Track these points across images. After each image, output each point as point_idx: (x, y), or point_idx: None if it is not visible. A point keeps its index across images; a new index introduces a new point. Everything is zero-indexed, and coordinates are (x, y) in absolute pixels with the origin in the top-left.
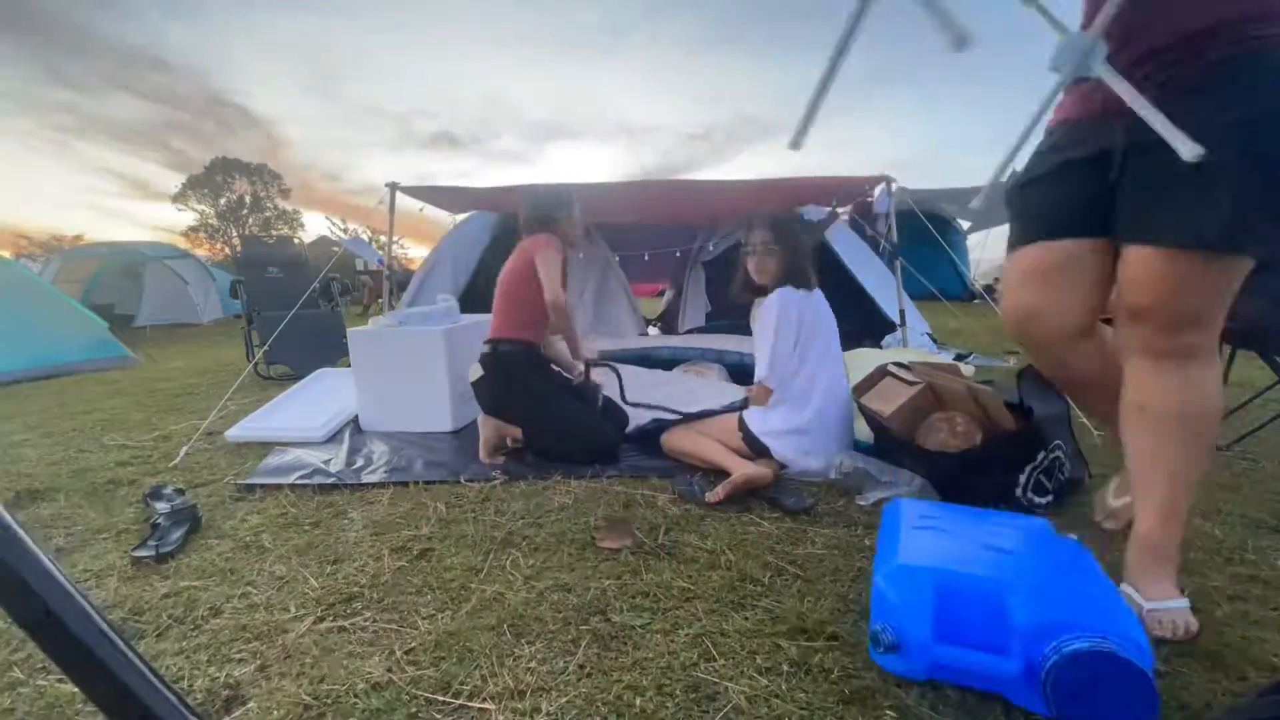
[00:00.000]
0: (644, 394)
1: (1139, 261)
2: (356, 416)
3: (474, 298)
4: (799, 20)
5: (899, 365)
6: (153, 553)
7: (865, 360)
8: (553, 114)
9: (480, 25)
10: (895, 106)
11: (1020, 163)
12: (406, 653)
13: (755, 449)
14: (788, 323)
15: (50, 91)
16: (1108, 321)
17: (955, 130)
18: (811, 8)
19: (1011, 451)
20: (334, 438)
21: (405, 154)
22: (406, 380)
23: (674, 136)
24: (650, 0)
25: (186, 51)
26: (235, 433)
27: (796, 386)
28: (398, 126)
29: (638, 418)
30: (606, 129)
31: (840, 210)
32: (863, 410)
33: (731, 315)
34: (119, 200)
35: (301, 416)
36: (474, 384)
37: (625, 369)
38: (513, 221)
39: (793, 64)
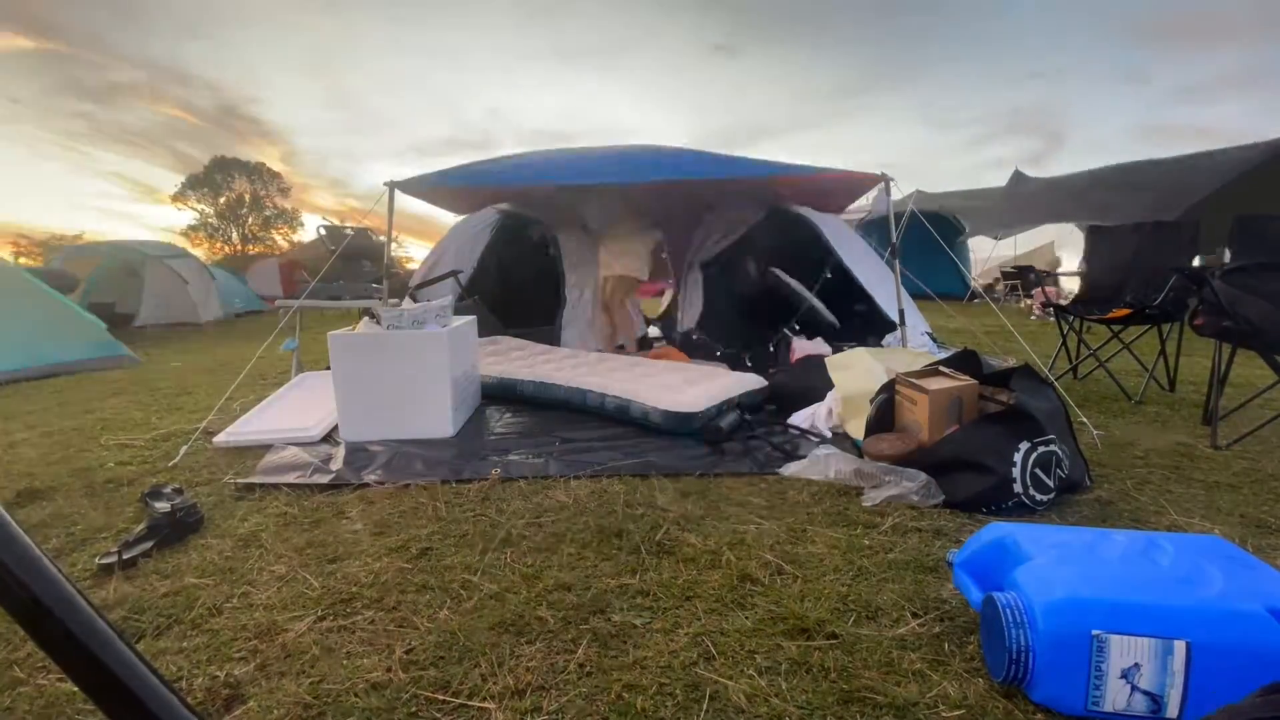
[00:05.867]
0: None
1: None
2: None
3: (479, 293)
4: (795, 32)
5: (908, 381)
6: (115, 559)
7: (863, 360)
8: (553, 123)
9: (485, 42)
10: (893, 111)
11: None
12: (406, 652)
13: None
14: None
15: (66, 101)
16: None
17: (950, 133)
18: (806, 22)
19: (1008, 426)
20: (328, 437)
21: (408, 161)
22: (402, 386)
23: (671, 140)
24: (650, 16)
25: (204, 66)
26: (223, 439)
27: None
28: (403, 136)
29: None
30: (605, 136)
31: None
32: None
33: (729, 316)
34: (128, 204)
35: (292, 418)
36: None
37: None
38: (512, 220)
39: (788, 72)
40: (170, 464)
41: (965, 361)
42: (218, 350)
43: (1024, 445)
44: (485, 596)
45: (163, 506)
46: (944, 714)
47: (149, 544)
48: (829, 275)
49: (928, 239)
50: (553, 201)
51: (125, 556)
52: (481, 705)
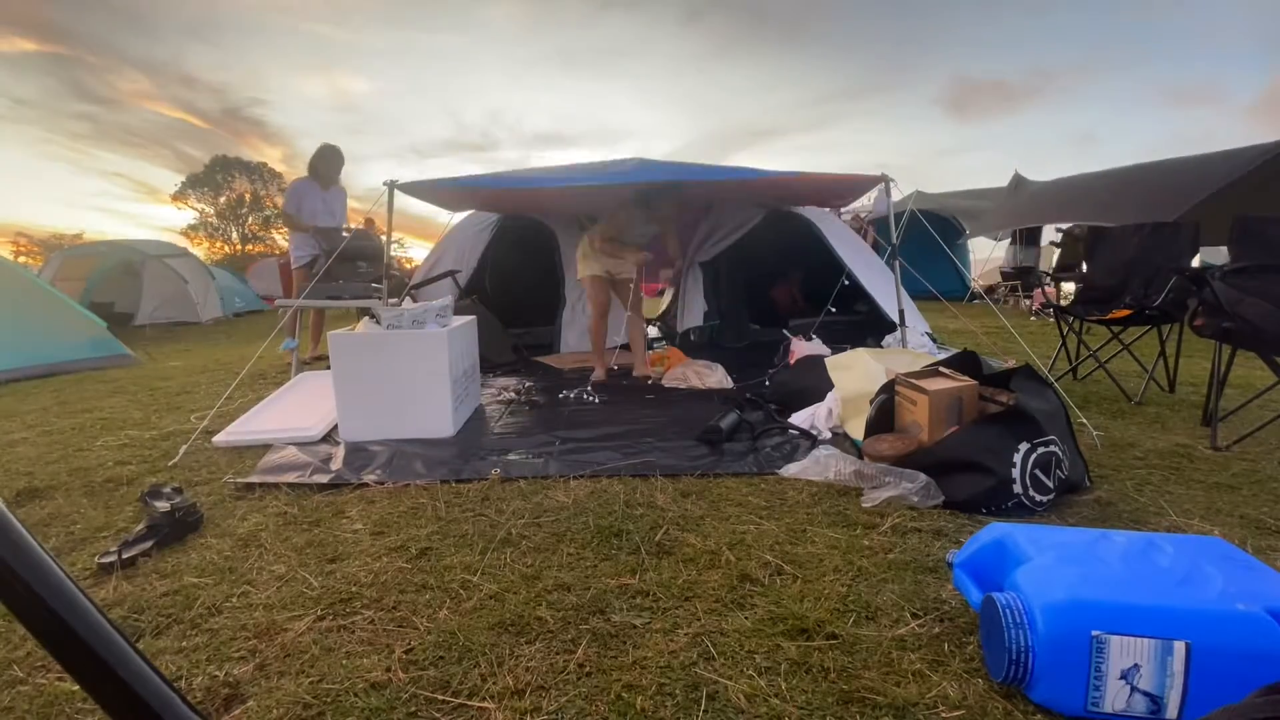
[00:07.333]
0: None
1: None
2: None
3: (480, 293)
4: (790, 38)
5: (908, 382)
6: (115, 558)
7: (863, 361)
8: (553, 125)
9: (486, 46)
10: (890, 113)
11: None
12: (406, 652)
13: None
14: None
15: (70, 103)
16: None
17: (949, 135)
18: (800, 28)
19: (1008, 426)
20: (328, 437)
21: (409, 162)
22: (402, 386)
23: (669, 142)
24: (649, 23)
25: (209, 69)
26: (223, 438)
27: None
28: (403, 138)
29: None
30: (604, 137)
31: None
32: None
33: (726, 316)
34: (129, 203)
35: (291, 418)
36: None
37: None
38: (512, 220)
39: (784, 76)
40: (170, 463)
41: (965, 362)
42: (218, 349)
43: (1024, 446)
44: (485, 596)
45: (162, 506)
46: (944, 714)
47: (149, 543)
48: (846, 282)
49: (928, 239)
50: (553, 201)
51: (125, 556)
52: (481, 705)
